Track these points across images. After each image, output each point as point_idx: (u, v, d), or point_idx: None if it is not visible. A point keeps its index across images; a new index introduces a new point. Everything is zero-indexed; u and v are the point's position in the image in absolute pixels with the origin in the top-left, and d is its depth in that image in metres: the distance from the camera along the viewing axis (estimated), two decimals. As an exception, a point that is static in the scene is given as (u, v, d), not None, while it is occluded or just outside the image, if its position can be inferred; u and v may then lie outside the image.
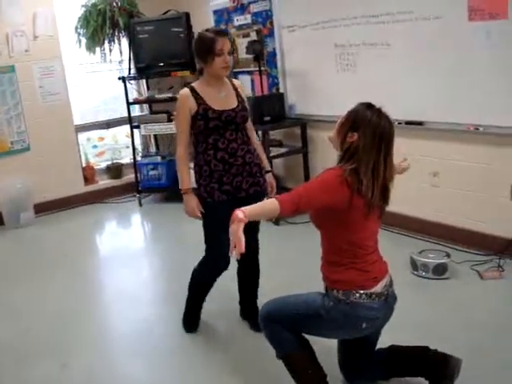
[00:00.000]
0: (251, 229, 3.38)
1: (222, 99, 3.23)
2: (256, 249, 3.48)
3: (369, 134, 2.36)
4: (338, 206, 2.34)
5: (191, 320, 3.56)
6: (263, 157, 3.45)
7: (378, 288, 2.46)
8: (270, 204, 2.36)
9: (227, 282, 3.58)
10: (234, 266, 3.38)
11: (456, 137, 4.28)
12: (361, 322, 2.43)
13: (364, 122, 2.39)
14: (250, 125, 3.40)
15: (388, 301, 2.52)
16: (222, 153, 3.18)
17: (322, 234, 2.52)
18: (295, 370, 2.60)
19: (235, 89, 3.34)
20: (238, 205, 3.15)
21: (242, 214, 2.30)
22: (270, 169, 3.53)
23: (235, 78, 6.27)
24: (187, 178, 3.24)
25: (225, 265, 3.31)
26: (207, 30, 3.23)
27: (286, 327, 2.53)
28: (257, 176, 3.31)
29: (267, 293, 3.42)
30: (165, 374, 3.14)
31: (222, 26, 6.33)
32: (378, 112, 2.44)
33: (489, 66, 3.87)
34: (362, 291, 2.41)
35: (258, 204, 2.45)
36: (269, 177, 3.46)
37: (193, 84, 3.25)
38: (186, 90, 3.20)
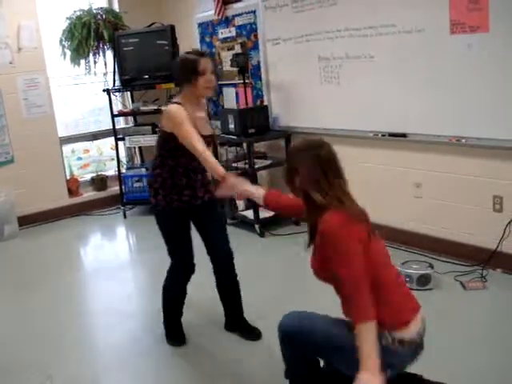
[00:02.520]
0: (216, 227, 3.46)
1: (201, 122, 3.31)
2: (229, 253, 3.50)
3: (309, 167, 2.30)
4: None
5: (174, 334, 3.56)
6: None
7: (413, 334, 2.22)
8: (362, 332, 2.04)
9: (209, 294, 3.60)
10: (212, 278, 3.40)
11: (439, 148, 4.32)
12: (386, 369, 2.11)
13: (299, 162, 2.33)
14: None
15: (417, 351, 2.29)
16: (188, 171, 3.28)
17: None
18: None
19: (208, 115, 3.52)
20: (193, 212, 3.34)
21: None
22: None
23: (220, 90, 6.32)
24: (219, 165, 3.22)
25: (191, 267, 3.41)
26: (188, 53, 3.29)
27: (307, 351, 2.35)
28: (209, 184, 3.40)
29: (257, 304, 3.44)
30: (149, 387, 3.13)
31: (207, 39, 6.37)
32: (308, 143, 2.39)
33: (471, 78, 3.92)
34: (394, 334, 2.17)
35: (371, 345, 2.03)
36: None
37: (179, 101, 3.24)
38: (178, 105, 3.20)
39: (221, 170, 3.09)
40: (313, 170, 2.28)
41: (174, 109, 3.17)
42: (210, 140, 3.37)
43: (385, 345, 2.13)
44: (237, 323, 3.59)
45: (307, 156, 2.31)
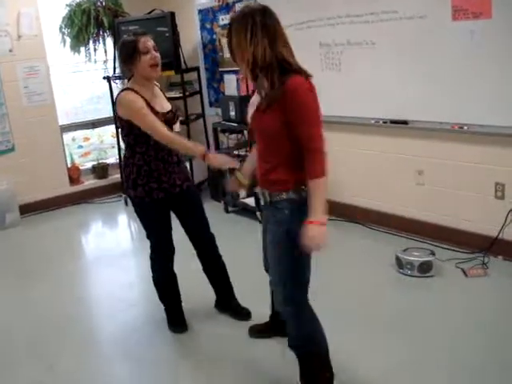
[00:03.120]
0: (197, 213, 3.48)
1: (157, 101, 3.26)
2: (211, 236, 3.55)
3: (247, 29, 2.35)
4: None
5: (175, 320, 3.58)
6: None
7: None
8: (322, 185, 2.35)
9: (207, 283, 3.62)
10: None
11: (441, 135, 4.30)
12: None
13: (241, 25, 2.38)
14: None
15: None
16: (162, 152, 3.23)
17: (278, 142, 2.44)
18: (316, 368, 2.67)
19: (162, 92, 3.40)
20: (172, 201, 3.33)
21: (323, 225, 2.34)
22: None
23: (221, 77, 6.30)
24: (191, 143, 3.21)
25: (170, 247, 3.45)
26: (128, 35, 3.21)
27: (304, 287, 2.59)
28: (186, 171, 3.42)
29: (257, 289, 3.44)
30: (152, 376, 3.14)
31: (207, 26, 6.34)
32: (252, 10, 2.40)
33: (473, 64, 3.90)
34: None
35: (316, 198, 2.35)
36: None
37: (129, 87, 3.19)
38: (130, 91, 3.16)
39: (197, 147, 3.10)
40: (261, 35, 2.35)
41: (128, 96, 3.12)
42: (171, 116, 3.30)
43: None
44: (228, 304, 3.65)
45: (250, 22, 2.35)
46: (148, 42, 3.13)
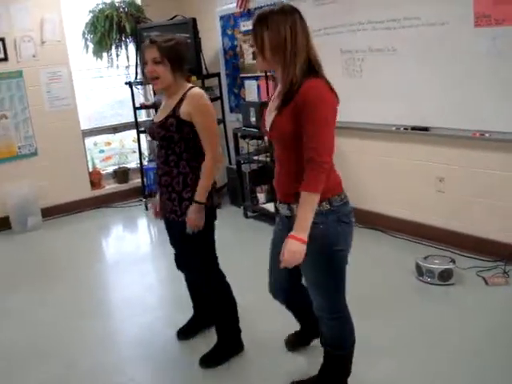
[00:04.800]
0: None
1: (161, 110, 3.09)
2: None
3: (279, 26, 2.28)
4: None
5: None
6: (198, 187, 2.95)
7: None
8: (311, 201, 2.24)
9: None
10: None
11: (462, 143, 4.27)
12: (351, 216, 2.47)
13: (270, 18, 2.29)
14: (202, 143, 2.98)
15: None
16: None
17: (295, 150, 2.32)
18: (341, 370, 2.71)
19: (181, 100, 2.95)
20: (166, 224, 3.22)
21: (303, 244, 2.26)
22: (196, 199, 2.94)
23: (242, 83, 6.31)
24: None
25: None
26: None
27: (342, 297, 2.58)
28: (174, 204, 3.02)
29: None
30: (170, 379, 3.15)
31: (229, 32, 6.36)
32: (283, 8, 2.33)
33: (495, 71, 3.87)
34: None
35: (302, 212, 2.26)
36: (190, 211, 2.95)
37: None
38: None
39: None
40: (301, 34, 2.30)
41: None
42: (152, 128, 3.08)
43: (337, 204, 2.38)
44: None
45: (290, 20, 2.29)
46: (146, 53, 2.95)
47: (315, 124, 2.23)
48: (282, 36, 2.25)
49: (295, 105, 2.26)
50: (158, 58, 2.90)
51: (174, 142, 2.95)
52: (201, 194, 2.92)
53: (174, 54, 2.94)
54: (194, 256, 3.12)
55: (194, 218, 2.93)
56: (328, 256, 2.41)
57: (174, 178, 2.99)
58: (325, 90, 2.29)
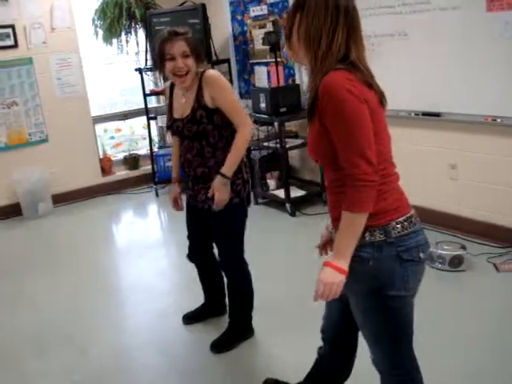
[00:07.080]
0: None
1: (182, 104, 2.97)
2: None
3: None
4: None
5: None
6: (228, 160, 2.87)
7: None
8: (353, 223, 1.78)
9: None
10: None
11: (474, 128, 4.24)
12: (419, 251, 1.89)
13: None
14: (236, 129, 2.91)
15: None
16: (181, 160, 3.08)
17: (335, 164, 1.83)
18: None
19: (200, 88, 2.88)
20: (197, 214, 3.18)
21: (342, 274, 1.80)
22: (224, 172, 2.87)
23: (251, 69, 6.28)
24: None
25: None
26: (164, 31, 2.88)
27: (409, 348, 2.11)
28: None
29: (288, 283, 3.43)
30: (182, 365, 3.17)
31: (238, 17, 6.33)
32: None
33: (507, 56, 3.84)
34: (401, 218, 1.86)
35: (342, 235, 1.80)
36: (215, 181, 2.88)
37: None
38: (168, 83, 3.08)
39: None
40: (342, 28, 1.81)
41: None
42: (179, 126, 2.97)
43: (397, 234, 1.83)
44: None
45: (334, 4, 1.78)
46: (174, 47, 2.79)
47: (339, 129, 1.76)
48: (318, 28, 1.77)
49: (318, 114, 1.80)
50: (188, 52, 2.81)
51: (208, 132, 2.89)
52: (231, 167, 2.86)
53: (198, 45, 2.90)
54: (225, 244, 3.13)
55: (223, 189, 2.86)
56: (378, 302, 1.90)
57: (211, 168, 2.94)
58: (341, 82, 1.73)
